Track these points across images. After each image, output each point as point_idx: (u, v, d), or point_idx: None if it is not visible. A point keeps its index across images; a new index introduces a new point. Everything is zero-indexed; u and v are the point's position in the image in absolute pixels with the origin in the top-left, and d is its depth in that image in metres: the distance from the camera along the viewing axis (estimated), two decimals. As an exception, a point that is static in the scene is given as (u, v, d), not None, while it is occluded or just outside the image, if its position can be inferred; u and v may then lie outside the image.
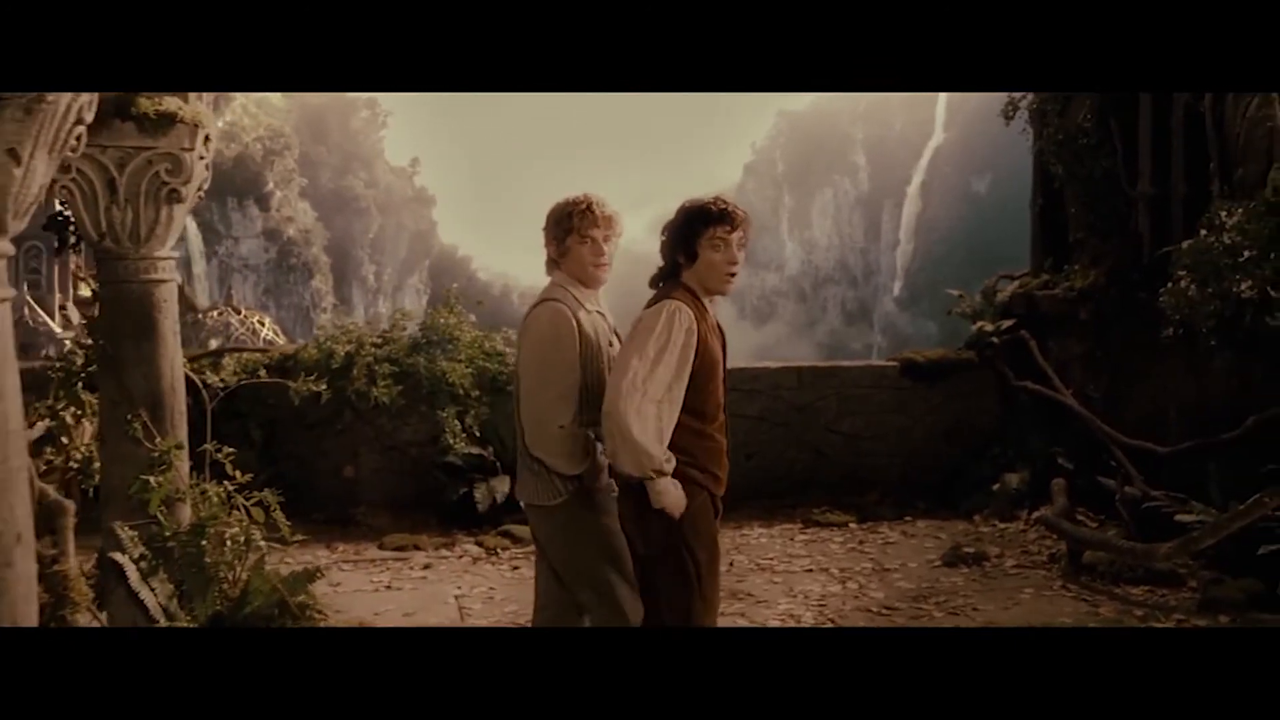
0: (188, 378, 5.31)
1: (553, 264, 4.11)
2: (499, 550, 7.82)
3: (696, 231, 3.88)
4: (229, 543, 4.91)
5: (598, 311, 4.06)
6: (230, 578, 4.90)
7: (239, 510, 5.05)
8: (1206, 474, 7.10)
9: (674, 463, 3.76)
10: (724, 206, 3.90)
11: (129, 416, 4.84)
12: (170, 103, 4.71)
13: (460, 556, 7.77)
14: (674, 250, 3.96)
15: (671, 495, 3.75)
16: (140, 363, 4.88)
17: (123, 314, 4.92)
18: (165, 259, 4.95)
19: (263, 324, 29.50)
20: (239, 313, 30.55)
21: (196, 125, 4.82)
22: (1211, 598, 6.27)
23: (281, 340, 23.86)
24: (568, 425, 3.87)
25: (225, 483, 5.11)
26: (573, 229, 4.01)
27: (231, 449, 5.22)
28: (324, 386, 6.42)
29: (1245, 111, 7.27)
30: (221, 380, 8.50)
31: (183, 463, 4.98)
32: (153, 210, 4.81)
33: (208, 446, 5.28)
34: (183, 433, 5.03)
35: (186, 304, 33.24)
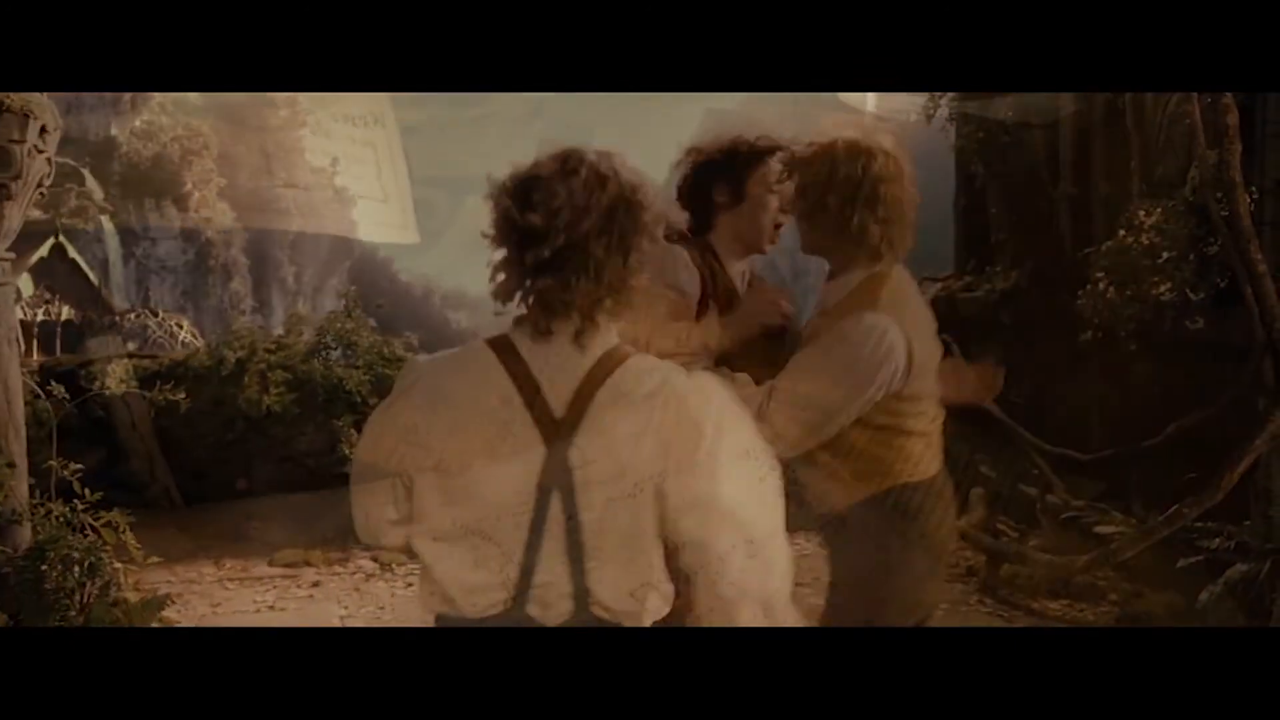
0: (29, 387, 4.86)
1: None
2: (394, 565, 7.39)
3: (750, 165, 3.06)
4: (76, 567, 4.48)
5: None
6: (75, 603, 4.47)
7: (88, 531, 4.61)
8: (1130, 481, 6.88)
9: None
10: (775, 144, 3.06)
11: (-43, 431, 4.39)
12: (-5, 91, 4.25)
13: (354, 573, 7.35)
14: (710, 187, 3.07)
15: None
16: (-31, 372, 4.43)
17: (-50, 319, 4.47)
18: (-3, 260, 4.50)
19: (181, 326, 28.81)
20: (156, 315, 29.86)
21: (28, 115, 4.35)
22: (1131, 612, 6.04)
23: (199, 343, 23.21)
24: None
25: (75, 501, 4.68)
26: None
27: (79, 465, 4.77)
28: (183, 395, 5.93)
29: (1165, 108, 7.06)
30: (109, 388, 8.08)
31: (20, 481, 4.53)
32: (-21, 207, 4.36)
33: (53, 463, 4.82)
34: (20, 447, 4.58)
35: (104, 306, 32.47)
